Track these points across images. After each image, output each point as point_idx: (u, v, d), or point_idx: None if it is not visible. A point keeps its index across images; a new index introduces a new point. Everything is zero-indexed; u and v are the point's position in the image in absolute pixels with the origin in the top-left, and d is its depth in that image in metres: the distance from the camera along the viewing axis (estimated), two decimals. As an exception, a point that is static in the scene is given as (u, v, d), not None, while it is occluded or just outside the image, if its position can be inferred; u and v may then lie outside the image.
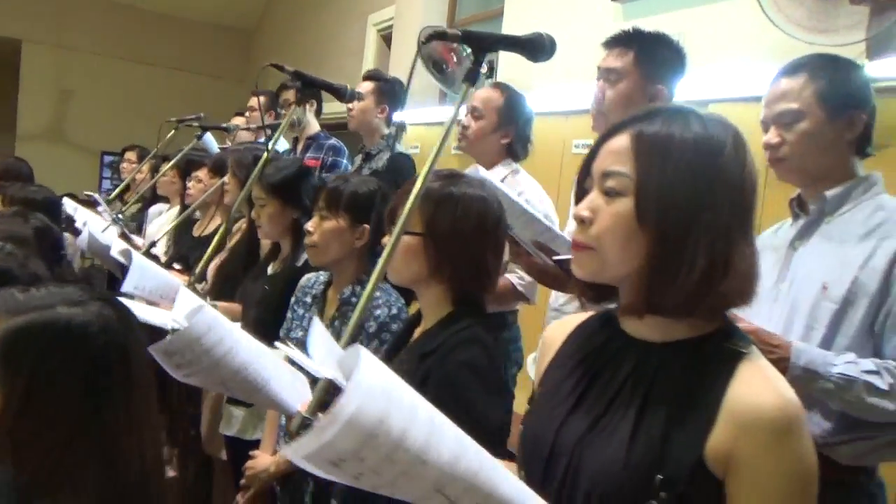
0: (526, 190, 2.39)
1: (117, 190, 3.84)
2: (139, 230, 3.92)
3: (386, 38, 6.01)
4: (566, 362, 1.04)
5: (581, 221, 0.96)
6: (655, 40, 1.98)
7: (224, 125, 3.70)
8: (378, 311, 1.81)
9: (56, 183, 4.12)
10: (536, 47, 1.24)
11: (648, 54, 1.95)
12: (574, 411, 0.98)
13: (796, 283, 1.54)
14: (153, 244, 2.79)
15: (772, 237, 1.67)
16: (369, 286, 1.13)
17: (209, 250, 2.11)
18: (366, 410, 0.68)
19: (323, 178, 3.23)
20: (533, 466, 1.00)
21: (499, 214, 1.48)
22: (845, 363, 1.40)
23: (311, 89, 3.76)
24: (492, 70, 3.94)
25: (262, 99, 3.97)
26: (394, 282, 1.52)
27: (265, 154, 2.13)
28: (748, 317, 1.53)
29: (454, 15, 5.56)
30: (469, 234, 1.42)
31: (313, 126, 3.82)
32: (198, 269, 2.08)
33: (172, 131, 3.64)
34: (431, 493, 0.75)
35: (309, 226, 1.95)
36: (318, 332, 1.30)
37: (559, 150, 3.84)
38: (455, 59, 3.92)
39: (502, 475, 0.79)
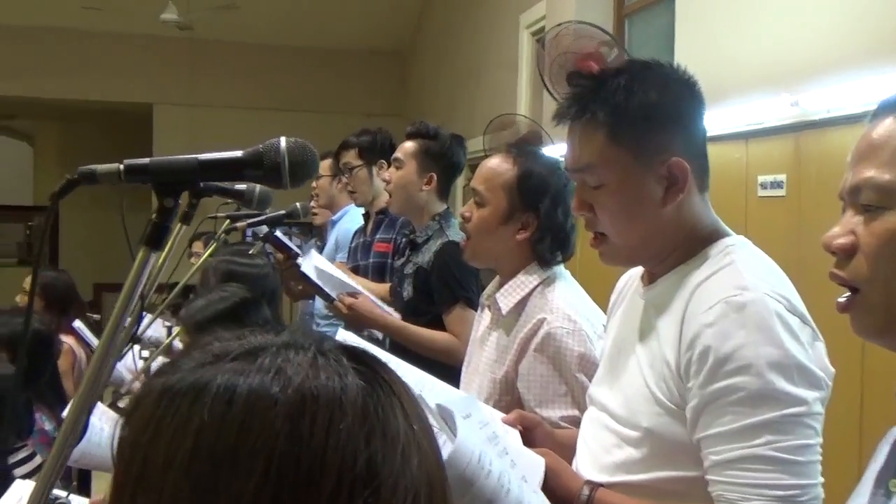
0: (549, 315, 1.50)
1: None
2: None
3: (542, 41, 4.94)
4: None
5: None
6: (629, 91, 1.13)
7: (284, 213, 2.38)
8: None
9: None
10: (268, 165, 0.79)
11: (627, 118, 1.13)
12: None
13: None
14: None
15: None
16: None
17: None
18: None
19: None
20: None
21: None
22: None
23: (374, 150, 2.84)
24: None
25: (327, 162, 3.07)
26: None
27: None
28: None
29: (622, 2, 4.34)
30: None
31: (385, 196, 2.71)
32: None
33: (224, 236, 2.28)
34: None
35: None
36: None
37: (741, 191, 2.57)
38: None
39: None
